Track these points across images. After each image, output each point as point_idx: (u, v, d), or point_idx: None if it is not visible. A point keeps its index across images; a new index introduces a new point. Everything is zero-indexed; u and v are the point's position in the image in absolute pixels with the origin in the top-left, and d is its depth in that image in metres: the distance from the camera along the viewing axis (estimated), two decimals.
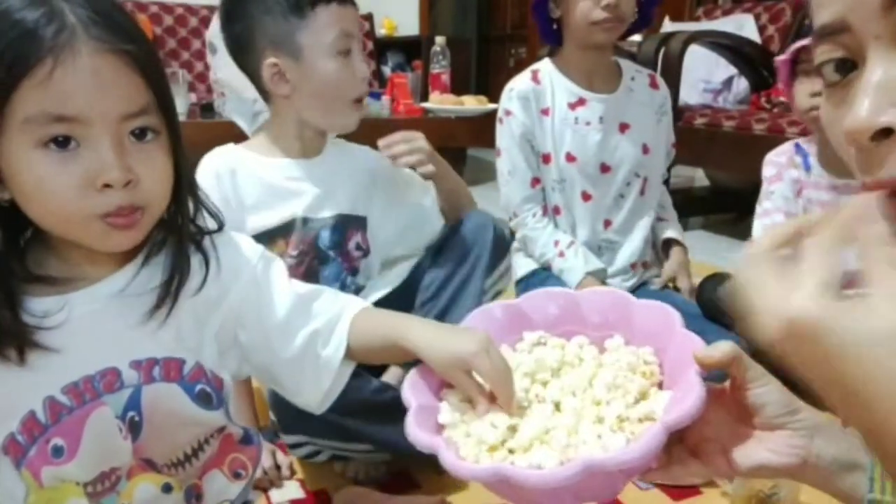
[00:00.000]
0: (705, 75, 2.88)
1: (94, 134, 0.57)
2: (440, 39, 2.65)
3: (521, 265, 1.57)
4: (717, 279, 1.43)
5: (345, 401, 0.78)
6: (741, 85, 2.84)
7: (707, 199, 3.19)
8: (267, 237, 1.07)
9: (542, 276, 1.51)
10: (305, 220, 1.11)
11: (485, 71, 5.78)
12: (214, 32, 2.84)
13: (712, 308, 1.41)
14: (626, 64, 1.56)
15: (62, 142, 0.56)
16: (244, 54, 1.08)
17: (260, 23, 1.03)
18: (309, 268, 1.12)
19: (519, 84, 1.50)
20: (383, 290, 1.18)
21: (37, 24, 0.54)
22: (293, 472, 1.06)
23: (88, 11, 0.57)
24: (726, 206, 3.13)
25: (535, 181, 1.51)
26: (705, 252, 2.41)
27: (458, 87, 2.73)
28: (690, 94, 2.79)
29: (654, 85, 1.57)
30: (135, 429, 0.66)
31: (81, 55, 0.55)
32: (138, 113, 0.59)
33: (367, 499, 0.99)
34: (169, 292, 0.66)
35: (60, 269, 0.64)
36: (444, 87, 2.57)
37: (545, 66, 1.53)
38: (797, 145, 1.45)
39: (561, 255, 1.48)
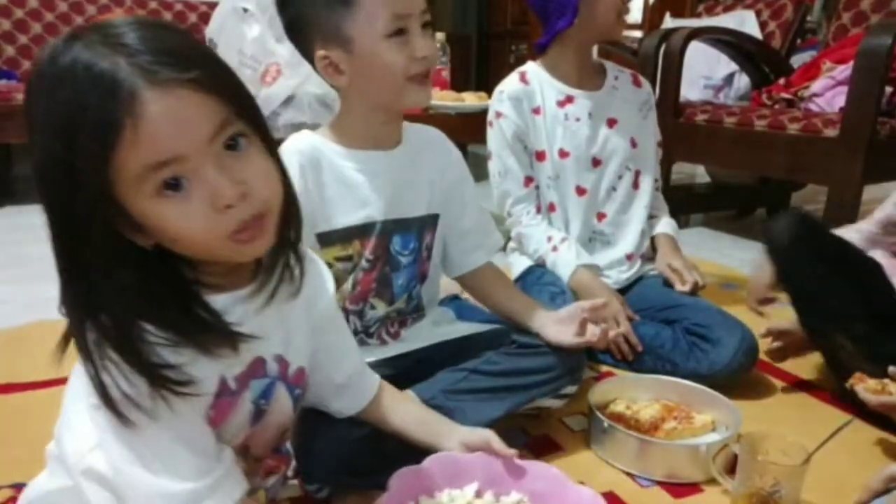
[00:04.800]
0: (706, 72, 2.87)
1: (194, 165, 0.59)
2: (440, 36, 2.64)
3: (518, 264, 1.61)
4: (785, 219, 1.30)
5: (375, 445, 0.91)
6: (742, 81, 2.83)
7: (708, 196, 3.18)
8: (344, 236, 1.05)
9: (538, 273, 1.54)
10: (384, 223, 1.07)
11: (485, 67, 5.77)
12: (214, 29, 2.83)
13: (774, 249, 1.30)
14: (609, 64, 1.63)
15: (174, 185, 0.59)
16: (298, 44, 1.03)
17: (308, 13, 0.98)
18: (381, 274, 1.09)
19: (509, 86, 1.55)
20: (426, 342, 1.15)
21: (105, 99, 0.55)
22: (297, 473, 1.05)
23: (145, 55, 0.57)
24: (727, 203, 3.13)
25: (528, 180, 1.55)
26: (706, 249, 2.41)
27: (459, 83, 2.72)
28: (691, 90, 2.78)
29: (637, 83, 1.63)
30: (258, 416, 0.74)
31: (151, 103, 0.56)
32: (221, 129, 0.60)
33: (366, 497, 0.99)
34: (269, 281, 0.71)
35: (215, 278, 0.69)
36: (444, 83, 2.56)
37: (531, 68, 1.58)
38: None
39: (554, 249, 1.51)
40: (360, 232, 1.06)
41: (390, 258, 1.10)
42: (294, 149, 1.03)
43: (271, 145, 0.66)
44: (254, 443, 0.76)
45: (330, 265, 1.05)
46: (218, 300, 0.67)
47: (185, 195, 0.60)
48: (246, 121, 0.63)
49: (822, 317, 1.26)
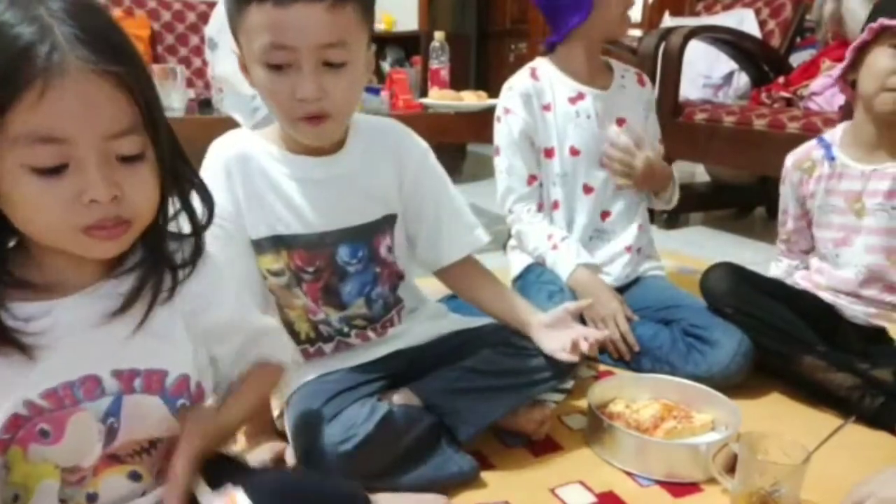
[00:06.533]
0: (705, 70, 2.87)
1: (80, 153, 0.58)
2: (439, 35, 2.63)
3: (517, 262, 1.60)
4: (718, 270, 1.40)
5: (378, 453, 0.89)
6: (742, 80, 2.83)
7: (707, 194, 3.18)
8: (272, 244, 0.99)
9: (538, 271, 1.53)
10: (324, 234, 1.00)
11: (484, 66, 5.77)
12: (214, 28, 2.83)
13: (714, 298, 1.39)
14: (615, 63, 1.62)
15: (52, 169, 0.58)
16: None
17: (229, 6, 0.91)
18: (327, 284, 1.03)
19: (518, 82, 1.54)
20: (417, 340, 1.11)
21: (31, 43, 0.56)
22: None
23: (75, 29, 0.57)
24: (727, 201, 3.13)
25: (532, 178, 1.54)
26: (706, 248, 2.41)
27: (458, 82, 2.72)
28: (691, 89, 2.78)
29: (641, 82, 1.64)
30: (112, 434, 0.68)
31: (68, 78, 0.56)
32: (123, 132, 0.60)
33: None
34: (136, 300, 0.67)
35: (45, 276, 0.65)
36: (443, 82, 2.56)
37: (542, 64, 1.58)
38: (820, 139, 1.42)
39: (554, 248, 1.50)
40: (291, 242, 0.99)
41: (336, 268, 1.03)
42: (220, 154, 0.97)
43: (163, 162, 0.65)
44: (120, 450, 0.70)
45: (265, 278, 1.02)
46: (28, 307, 0.63)
47: (58, 178, 0.58)
48: (151, 134, 0.63)
49: (785, 341, 1.29)
